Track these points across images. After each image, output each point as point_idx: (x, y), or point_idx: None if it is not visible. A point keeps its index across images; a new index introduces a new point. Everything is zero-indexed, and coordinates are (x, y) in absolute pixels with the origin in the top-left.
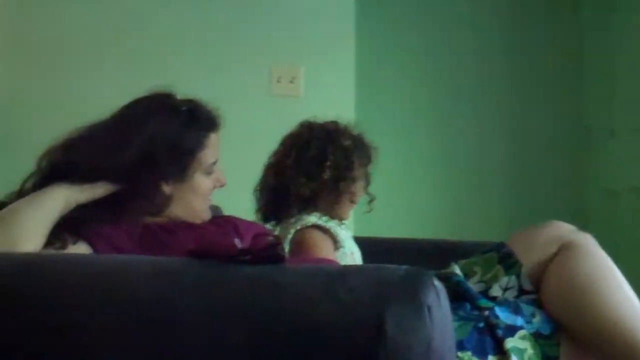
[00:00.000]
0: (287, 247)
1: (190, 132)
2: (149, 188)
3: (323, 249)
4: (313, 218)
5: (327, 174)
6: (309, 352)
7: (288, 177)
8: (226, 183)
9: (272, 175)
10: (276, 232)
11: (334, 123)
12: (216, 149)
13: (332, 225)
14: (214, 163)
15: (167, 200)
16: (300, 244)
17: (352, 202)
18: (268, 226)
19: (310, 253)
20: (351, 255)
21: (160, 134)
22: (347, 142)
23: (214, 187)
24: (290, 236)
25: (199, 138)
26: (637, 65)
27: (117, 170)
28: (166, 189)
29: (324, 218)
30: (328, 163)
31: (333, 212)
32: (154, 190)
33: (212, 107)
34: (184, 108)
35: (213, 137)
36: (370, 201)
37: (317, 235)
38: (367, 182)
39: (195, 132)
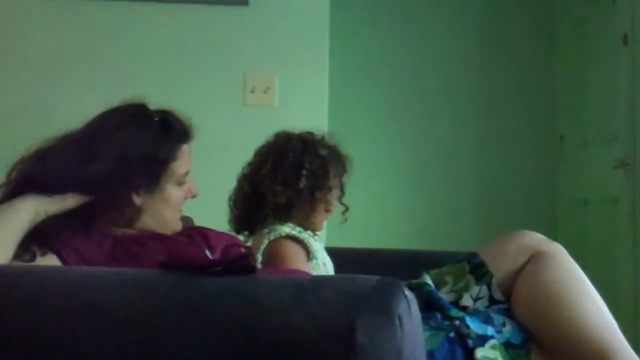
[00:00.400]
0: (260, 258)
1: (162, 143)
2: (119, 199)
3: (296, 260)
4: (286, 228)
5: (303, 183)
6: None
7: (264, 186)
8: (198, 193)
9: (247, 185)
10: (249, 243)
11: (310, 134)
12: (188, 159)
13: (305, 236)
14: (186, 174)
15: (138, 211)
16: (273, 254)
17: (327, 211)
18: (241, 237)
19: (283, 264)
20: (324, 266)
21: (131, 145)
22: (324, 152)
23: (186, 198)
24: (263, 246)
25: (170, 149)
26: (609, 77)
27: (87, 182)
28: (137, 200)
29: (298, 229)
30: (304, 172)
31: (308, 222)
32: (125, 201)
33: (184, 117)
34: (155, 119)
35: (185, 148)
36: (345, 211)
37: (290, 246)
38: (342, 192)
39: (167, 143)
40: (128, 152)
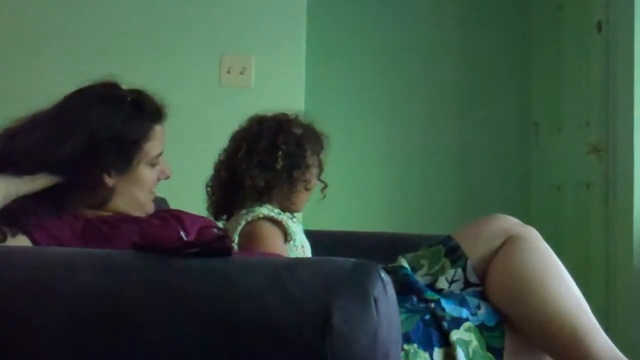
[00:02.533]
0: (236, 239)
1: (135, 123)
2: (91, 180)
3: (273, 241)
4: (265, 210)
5: (280, 164)
6: (256, 343)
7: (241, 170)
8: (171, 174)
9: (224, 170)
10: (227, 226)
11: (284, 114)
12: (161, 140)
13: (283, 217)
14: (159, 155)
15: (110, 192)
16: (250, 235)
17: (307, 189)
18: (219, 223)
19: (260, 245)
20: (302, 248)
21: (103, 125)
22: (298, 131)
23: (159, 179)
24: (240, 227)
25: (143, 129)
26: (583, 64)
27: (58, 162)
28: (109, 181)
29: (276, 210)
30: (280, 152)
31: (289, 202)
32: (97, 182)
33: (157, 97)
34: (128, 98)
35: (158, 129)
36: (323, 188)
37: (268, 227)
38: (321, 170)
39: (139, 123)
40: (99, 132)
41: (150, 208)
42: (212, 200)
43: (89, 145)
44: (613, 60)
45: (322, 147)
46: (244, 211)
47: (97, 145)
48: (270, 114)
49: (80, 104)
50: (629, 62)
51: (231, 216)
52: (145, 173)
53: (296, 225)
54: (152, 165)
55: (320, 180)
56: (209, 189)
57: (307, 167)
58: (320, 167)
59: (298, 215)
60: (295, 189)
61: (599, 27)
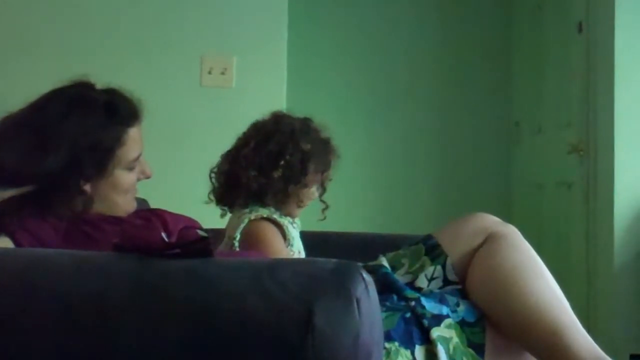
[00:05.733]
0: (238, 236)
1: (109, 129)
2: (68, 188)
3: (274, 242)
4: (267, 211)
5: (278, 173)
6: (238, 345)
7: (240, 167)
8: (152, 174)
9: (227, 162)
10: (228, 221)
11: (304, 121)
12: (137, 142)
13: (284, 222)
14: (136, 158)
15: (89, 198)
16: (251, 234)
17: (300, 207)
18: (220, 210)
19: (262, 245)
20: (299, 254)
21: (79, 135)
22: (307, 147)
23: (139, 179)
24: (243, 225)
25: (117, 134)
26: (564, 64)
27: (40, 176)
28: (87, 188)
29: (278, 214)
30: (282, 162)
31: (281, 210)
32: (74, 190)
33: (133, 97)
34: (101, 102)
35: (133, 132)
36: (324, 209)
37: (269, 228)
38: (323, 190)
39: (113, 128)
40: (76, 143)
41: (131, 207)
42: (214, 187)
43: (68, 158)
44: (593, 61)
45: (327, 168)
46: (247, 210)
47: (75, 155)
48: (292, 115)
49: (55, 112)
50: (609, 62)
51: (232, 207)
52: (123, 177)
53: (295, 231)
54: (130, 168)
55: (321, 201)
56: (212, 175)
57: (305, 185)
58: (323, 187)
59: (299, 222)
60: (286, 201)
61: (580, 28)
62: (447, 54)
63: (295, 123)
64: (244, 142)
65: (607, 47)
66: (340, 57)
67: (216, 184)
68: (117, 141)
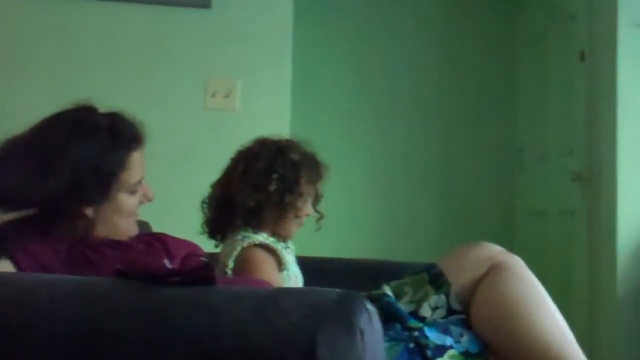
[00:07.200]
0: (231, 264)
1: (111, 154)
2: (71, 213)
3: (267, 269)
4: (260, 237)
5: (273, 186)
6: None
7: (234, 189)
8: (154, 197)
9: (219, 188)
10: (221, 248)
11: (288, 140)
12: (140, 166)
13: (278, 247)
14: (138, 182)
15: (91, 223)
16: (244, 262)
17: (298, 217)
18: (214, 242)
19: (255, 272)
20: (295, 278)
21: (82, 159)
22: (296, 157)
23: (141, 203)
24: (236, 253)
25: (120, 159)
26: (567, 92)
27: (42, 200)
28: (88, 212)
29: (271, 239)
30: (275, 175)
31: (279, 228)
32: (77, 214)
33: (135, 121)
34: (104, 126)
35: (135, 156)
36: (319, 219)
37: (262, 255)
38: (317, 200)
39: (116, 153)
40: (78, 167)
41: (133, 231)
42: (206, 217)
43: (71, 182)
44: (596, 89)
45: (319, 177)
46: (239, 237)
47: (78, 179)
48: (275, 137)
49: (58, 135)
50: (612, 90)
51: (225, 237)
52: (125, 201)
53: (290, 256)
54: (132, 192)
55: (315, 211)
56: (204, 205)
57: (300, 194)
58: (316, 197)
59: (292, 245)
60: (285, 214)
61: (582, 56)
62: (452, 81)
63: (279, 141)
64: (233, 167)
65: (610, 75)
66: (344, 80)
67: (209, 214)
68: (120, 165)
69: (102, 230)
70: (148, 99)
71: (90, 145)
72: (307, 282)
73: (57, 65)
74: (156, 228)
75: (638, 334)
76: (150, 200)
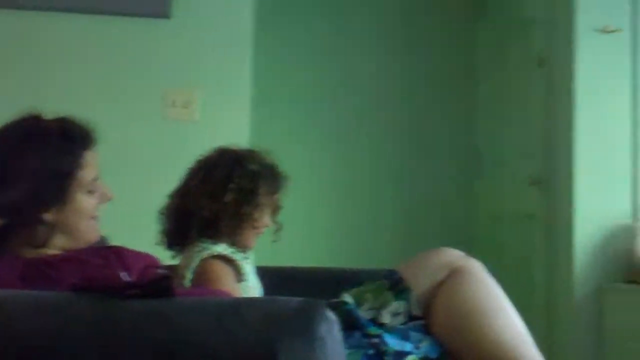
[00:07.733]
0: (190, 276)
1: (65, 155)
2: (30, 220)
3: (225, 281)
4: (219, 248)
5: (229, 197)
6: None
7: (191, 199)
8: (113, 196)
9: (177, 198)
10: (179, 260)
11: (248, 150)
12: (94, 165)
13: (237, 258)
14: (95, 179)
15: (51, 228)
16: (203, 274)
17: (255, 228)
18: (172, 253)
19: (213, 284)
20: (254, 290)
21: (38, 166)
22: (255, 167)
23: (100, 203)
24: (194, 264)
25: (74, 159)
26: (525, 97)
27: (2, 210)
28: (48, 217)
29: (230, 250)
30: (232, 185)
31: (236, 239)
32: (36, 221)
33: (83, 122)
34: (54, 130)
35: (89, 155)
36: (277, 230)
37: (221, 267)
38: (276, 211)
39: (70, 153)
40: (36, 174)
41: (95, 234)
42: (164, 228)
43: (30, 189)
44: (553, 94)
45: (278, 188)
46: (198, 248)
47: (36, 186)
48: (235, 147)
49: (11, 147)
50: (569, 95)
51: (184, 247)
52: (84, 201)
53: (249, 267)
54: (90, 192)
55: (274, 222)
56: (162, 215)
57: (258, 205)
58: (275, 208)
59: (251, 256)
60: (242, 225)
61: (540, 62)
62: (412, 86)
63: (238, 151)
64: (191, 176)
65: (567, 80)
66: (305, 89)
67: (167, 224)
68: (76, 164)
69: (62, 236)
70: (107, 109)
71: (43, 150)
72: (267, 292)
73: (13, 74)
74: (116, 240)
75: (596, 337)
76: (109, 199)
